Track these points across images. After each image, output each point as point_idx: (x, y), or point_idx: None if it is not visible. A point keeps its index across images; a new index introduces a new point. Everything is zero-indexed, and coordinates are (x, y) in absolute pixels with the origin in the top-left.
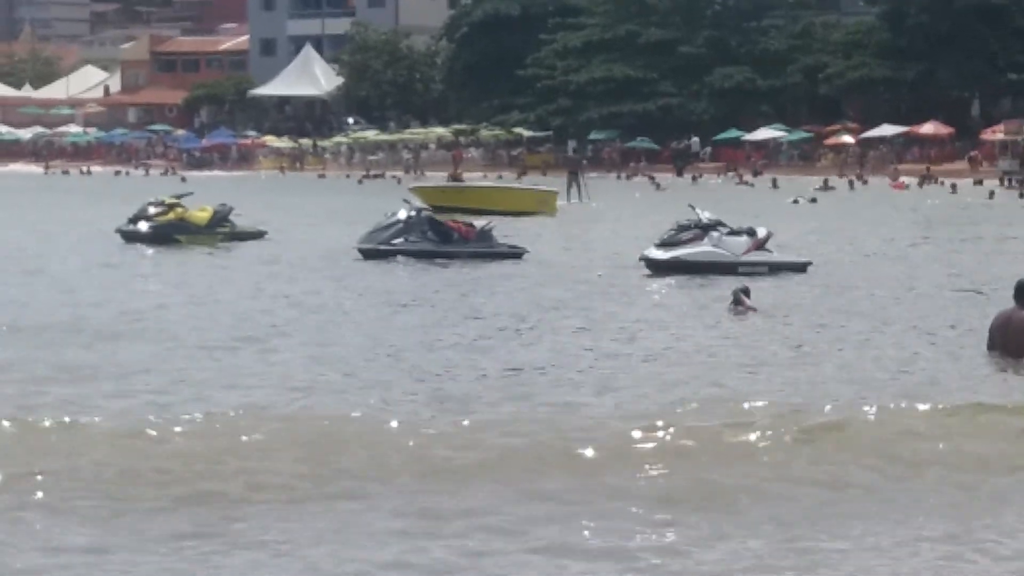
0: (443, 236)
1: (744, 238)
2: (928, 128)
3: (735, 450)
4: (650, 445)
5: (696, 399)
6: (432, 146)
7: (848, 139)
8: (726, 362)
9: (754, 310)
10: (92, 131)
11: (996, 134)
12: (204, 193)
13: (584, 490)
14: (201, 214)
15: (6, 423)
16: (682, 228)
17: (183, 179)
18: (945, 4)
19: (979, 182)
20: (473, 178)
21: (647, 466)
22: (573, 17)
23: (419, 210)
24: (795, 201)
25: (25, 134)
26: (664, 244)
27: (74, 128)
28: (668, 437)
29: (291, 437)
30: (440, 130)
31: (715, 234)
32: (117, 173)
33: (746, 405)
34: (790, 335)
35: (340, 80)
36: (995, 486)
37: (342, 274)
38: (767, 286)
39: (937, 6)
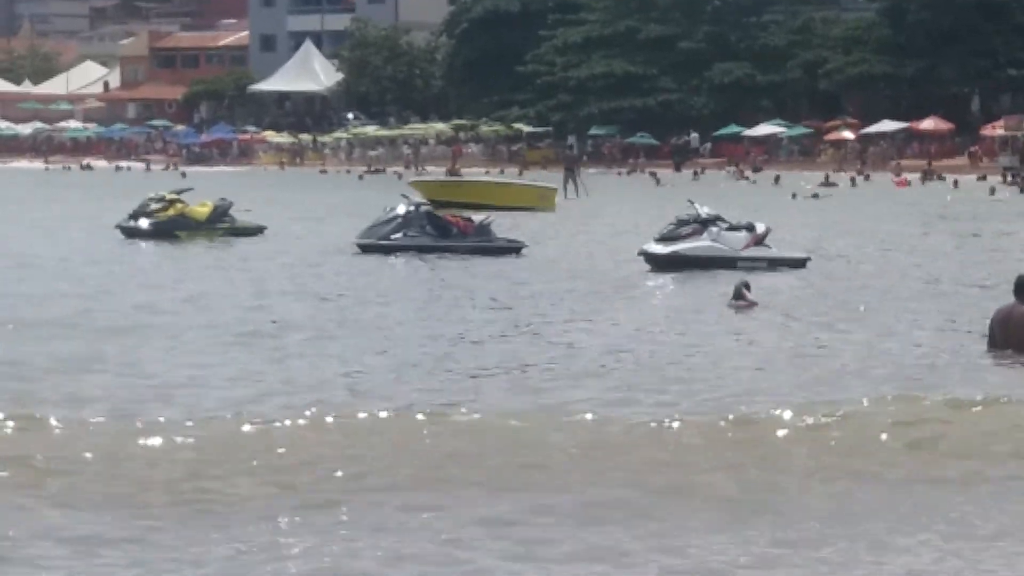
0: (442, 231)
1: (743, 233)
2: (928, 124)
3: (744, 448)
4: (658, 441)
5: (700, 395)
6: (431, 142)
7: (848, 135)
8: (727, 356)
9: (755, 304)
10: (92, 127)
11: (996, 130)
12: (204, 189)
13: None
14: (201, 209)
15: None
16: (681, 223)
17: (183, 174)
18: (945, 0)
19: (982, 178)
20: (473, 174)
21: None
22: (573, 13)
23: (418, 205)
24: (793, 196)
25: (24, 129)
26: (663, 239)
27: (73, 123)
28: (675, 433)
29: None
30: (440, 126)
31: (714, 229)
32: (118, 169)
33: (757, 400)
34: (791, 329)
35: (340, 76)
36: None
37: (341, 269)
38: (767, 281)
39: (938, 2)
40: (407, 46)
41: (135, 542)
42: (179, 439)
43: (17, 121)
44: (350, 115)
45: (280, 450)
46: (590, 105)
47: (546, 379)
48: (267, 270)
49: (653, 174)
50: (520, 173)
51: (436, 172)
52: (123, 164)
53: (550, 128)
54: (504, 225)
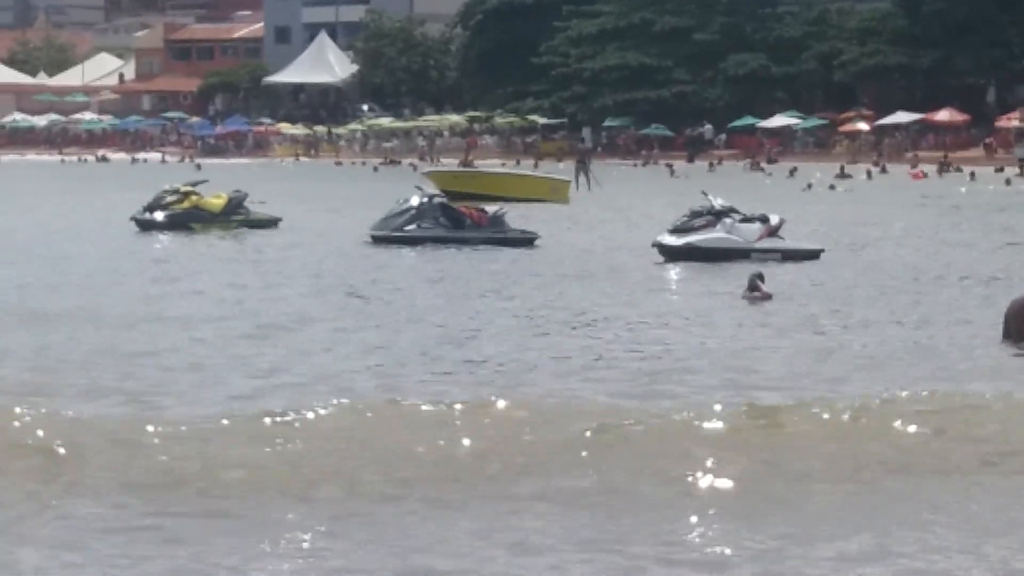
0: (456, 222)
1: (757, 225)
2: (943, 115)
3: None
4: (673, 433)
5: (714, 387)
6: (446, 133)
7: (863, 126)
8: (742, 348)
9: (769, 296)
10: (107, 118)
11: (1012, 121)
12: (219, 181)
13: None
14: (216, 201)
15: (18, 410)
16: (695, 214)
17: (198, 166)
18: None
19: (1000, 169)
20: (488, 165)
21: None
22: (587, 4)
23: (431, 196)
24: (809, 187)
25: (40, 121)
26: (677, 230)
27: (88, 115)
28: (691, 424)
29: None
30: (455, 117)
31: (728, 220)
32: (134, 161)
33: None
34: (806, 321)
35: (355, 67)
36: None
37: (355, 261)
38: (781, 272)
39: None
40: (422, 37)
41: (150, 530)
42: (195, 431)
43: (32, 113)
44: (365, 107)
45: (298, 443)
46: (604, 97)
47: (562, 371)
48: (281, 262)
49: (669, 165)
50: (535, 165)
51: (451, 164)
52: (139, 156)
53: (564, 120)
54: (517, 216)
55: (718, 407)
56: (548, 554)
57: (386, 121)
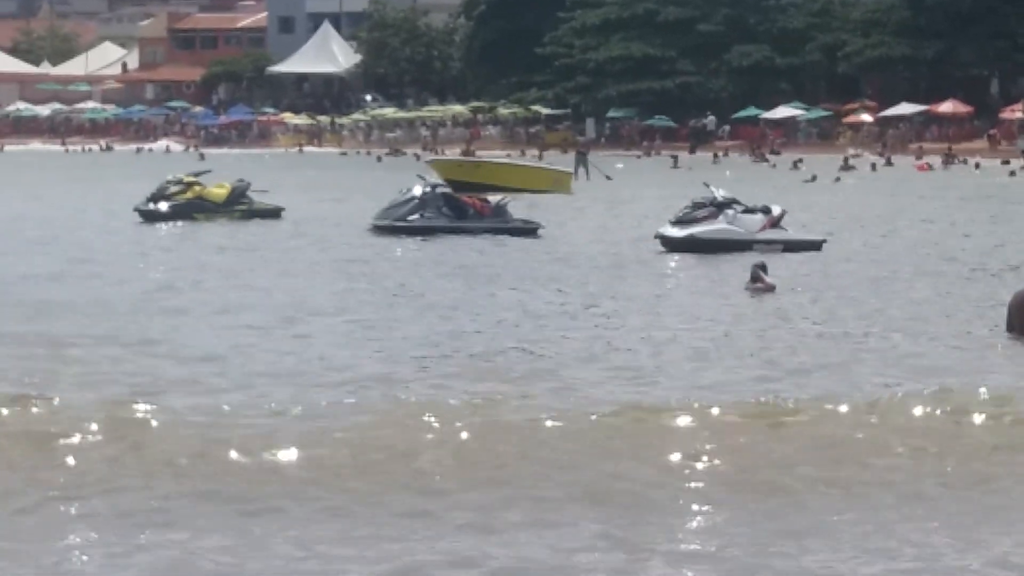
0: (459, 212)
1: (759, 216)
2: (947, 107)
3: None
4: (674, 426)
5: (718, 381)
6: (449, 124)
7: (867, 117)
8: (745, 340)
9: (772, 287)
10: (110, 108)
11: (1015, 112)
12: (224, 170)
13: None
14: (219, 191)
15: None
16: (697, 206)
17: (202, 156)
18: None
19: (1006, 162)
20: (492, 156)
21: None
22: None
23: (434, 186)
24: (814, 178)
25: (43, 110)
26: (679, 222)
27: (92, 104)
28: (696, 418)
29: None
30: (458, 108)
31: (730, 212)
32: (139, 150)
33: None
34: (810, 313)
35: (358, 57)
36: None
37: (357, 251)
38: (784, 263)
39: None
40: (425, 28)
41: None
42: (207, 423)
43: (36, 102)
44: (368, 97)
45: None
46: (608, 87)
47: (571, 362)
48: (284, 252)
49: (674, 157)
50: (539, 155)
51: (453, 154)
52: (144, 146)
53: (568, 110)
54: (521, 207)
55: (724, 399)
56: (555, 548)
57: (390, 111)
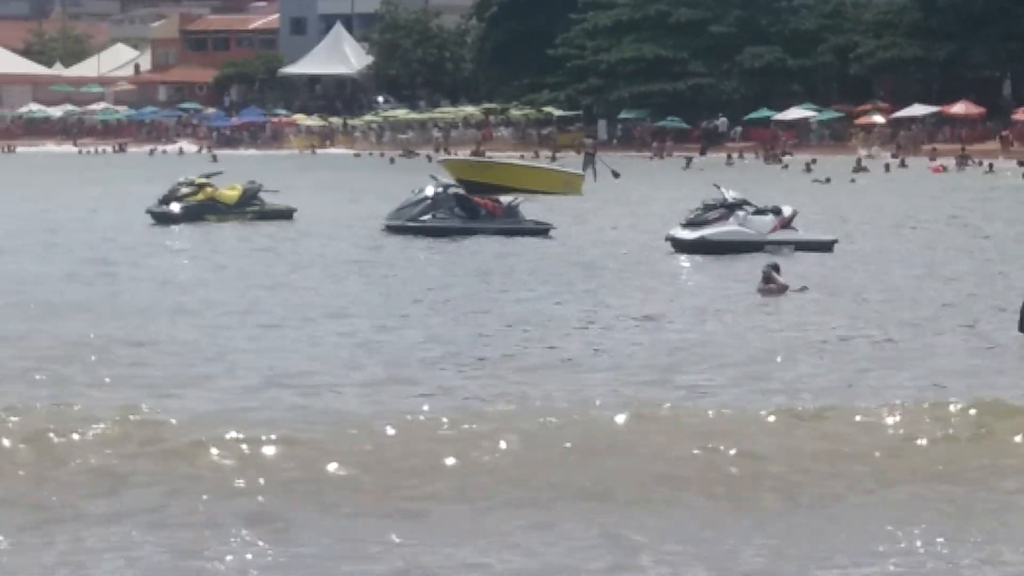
0: (471, 212)
1: (770, 217)
2: (959, 108)
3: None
4: (692, 429)
5: (731, 384)
6: (460, 125)
7: (879, 119)
8: (756, 343)
9: (785, 287)
10: (122, 109)
11: None
12: (237, 172)
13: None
14: (231, 193)
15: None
16: (708, 207)
17: (214, 158)
18: None
19: (1022, 163)
20: (503, 157)
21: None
22: None
23: (446, 186)
24: (828, 180)
25: (55, 112)
26: (690, 224)
27: (104, 106)
28: (712, 422)
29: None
30: (470, 109)
31: (741, 213)
32: (152, 152)
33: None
34: (823, 314)
35: (370, 59)
36: None
37: (370, 252)
38: (795, 264)
39: None
40: (437, 29)
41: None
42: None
43: (48, 104)
44: (380, 98)
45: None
46: (620, 89)
47: (580, 363)
48: (296, 252)
49: (688, 159)
50: (552, 157)
51: (464, 156)
52: (158, 147)
53: (580, 112)
54: (535, 208)
55: (737, 403)
56: (575, 553)
57: (401, 113)
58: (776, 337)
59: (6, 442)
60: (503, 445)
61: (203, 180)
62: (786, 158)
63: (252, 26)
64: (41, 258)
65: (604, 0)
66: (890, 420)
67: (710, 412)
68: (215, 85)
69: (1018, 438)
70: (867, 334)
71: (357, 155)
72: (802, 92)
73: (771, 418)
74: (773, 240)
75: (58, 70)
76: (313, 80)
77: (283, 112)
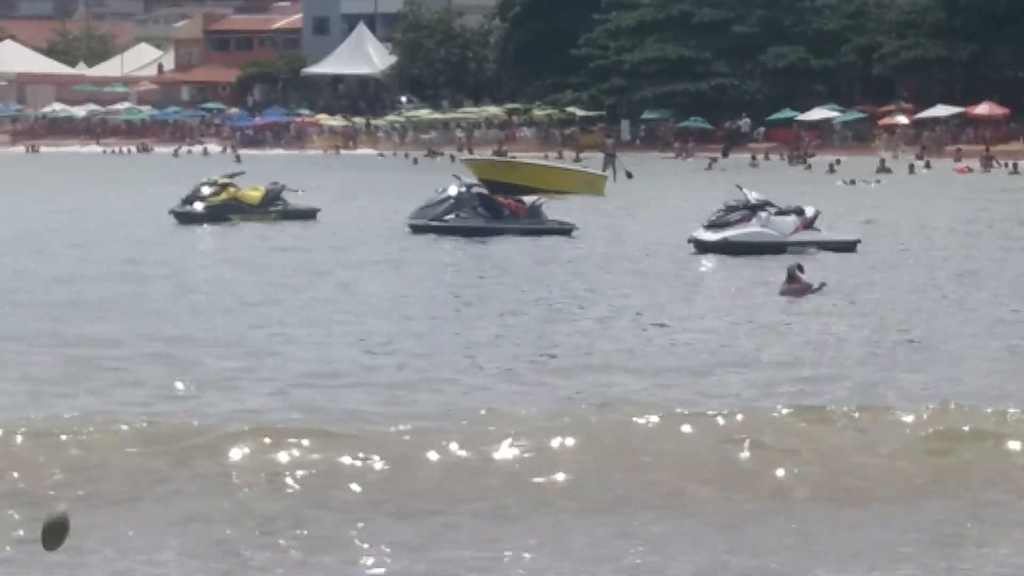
0: (494, 212)
1: (792, 218)
2: (983, 109)
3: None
4: (714, 432)
5: (762, 384)
6: (483, 125)
7: (902, 119)
8: (781, 345)
9: (809, 287)
10: (146, 109)
11: None
12: (261, 172)
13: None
14: (253, 193)
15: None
16: (730, 209)
17: (238, 158)
18: None
19: None
20: (527, 157)
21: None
22: None
23: (470, 186)
24: (852, 182)
25: (79, 112)
26: (712, 225)
27: (128, 106)
28: (735, 425)
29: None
30: (493, 109)
31: (763, 214)
32: (176, 152)
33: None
34: (846, 315)
35: (393, 59)
36: None
37: (395, 251)
38: (818, 265)
39: None
40: (460, 29)
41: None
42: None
43: (72, 103)
44: (403, 98)
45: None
46: (643, 89)
47: (605, 364)
48: (320, 252)
49: (713, 159)
50: (576, 157)
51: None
52: (183, 148)
53: (603, 112)
54: (558, 208)
55: (764, 403)
56: (597, 551)
57: (424, 113)
58: (798, 338)
59: (19, 440)
60: (526, 445)
61: (226, 180)
62: (809, 160)
63: (275, 26)
64: (63, 258)
65: (627, 0)
66: (914, 421)
67: (738, 416)
68: (238, 85)
69: None
70: (891, 336)
71: (381, 155)
72: (825, 92)
73: (802, 422)
74: (795, 241)
75: (82, 70)
76: (336, 80)
77: (306, 112)
